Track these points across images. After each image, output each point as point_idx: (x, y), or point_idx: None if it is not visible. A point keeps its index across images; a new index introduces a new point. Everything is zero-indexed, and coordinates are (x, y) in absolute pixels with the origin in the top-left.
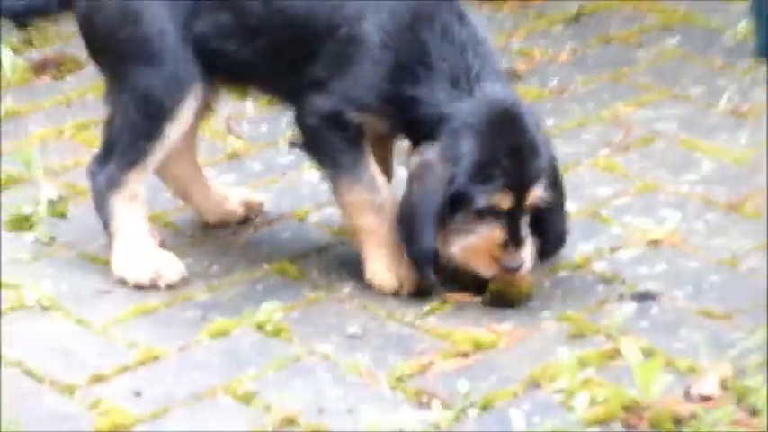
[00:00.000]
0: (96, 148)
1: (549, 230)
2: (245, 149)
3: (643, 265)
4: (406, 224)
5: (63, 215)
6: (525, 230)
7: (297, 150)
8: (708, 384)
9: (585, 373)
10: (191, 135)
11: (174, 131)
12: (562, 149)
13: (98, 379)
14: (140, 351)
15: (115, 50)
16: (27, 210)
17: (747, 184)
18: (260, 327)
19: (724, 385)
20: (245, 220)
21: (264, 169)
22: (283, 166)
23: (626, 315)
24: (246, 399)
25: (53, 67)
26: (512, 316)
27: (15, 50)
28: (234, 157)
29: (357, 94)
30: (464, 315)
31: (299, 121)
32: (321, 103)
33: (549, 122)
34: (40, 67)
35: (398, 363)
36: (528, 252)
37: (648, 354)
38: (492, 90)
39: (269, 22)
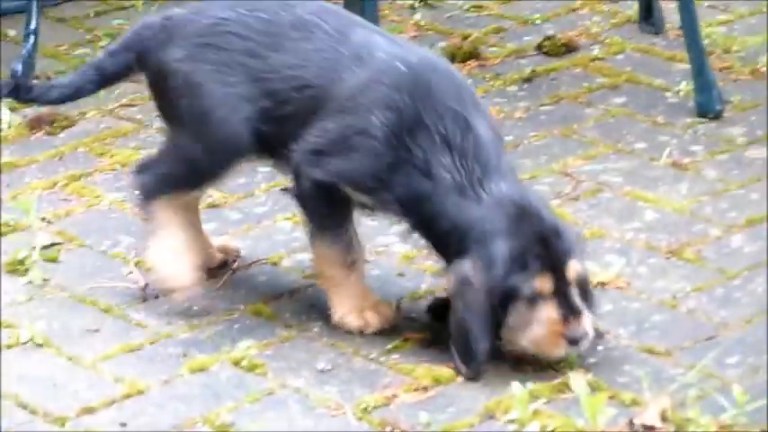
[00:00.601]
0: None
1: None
2: (223, 200)
3: None
4: (461, 342)
5: (55, 260)
6: (578, 302)
7: (273, 200)
8: (649, 416)
9: (536, 405)
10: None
11: (215, 184)
12: None
13: (87, 411)
14: (126, 385)
15: (177, 116)
16: (22, 254)
17: (686, 231)
18: (236, 363)
19: (664, 417)
20: (223, 265)
21: (242, 218)
22: (258, 215)
23: (575, 352)
24: (224, 429)
25: (47, 123)
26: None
27: (12, 109)
28: (213, 206)
29: (355, 175)
30: (424, 353)
31: (298, 181)
32: (316, 173)
33: None
34: (34, 124)
35: (364, 395)
36: (588, 321)
37: (595, 387)
38: (498, 191)
39: (300, 110)
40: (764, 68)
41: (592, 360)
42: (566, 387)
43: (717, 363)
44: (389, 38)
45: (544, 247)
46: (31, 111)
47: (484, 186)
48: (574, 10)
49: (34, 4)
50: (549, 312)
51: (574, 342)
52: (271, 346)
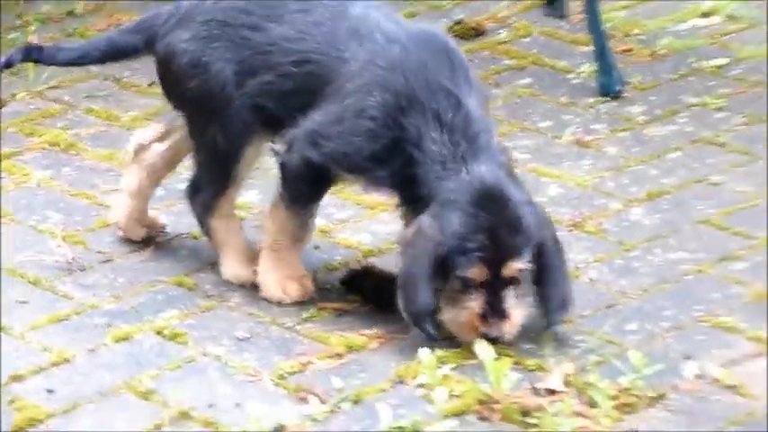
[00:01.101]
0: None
1: (552, 296)
2: None
3: None
4: (405, 288)
5: None
6: (508, 302)
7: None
8: (552, 380)
9: (444, 371)
10: (183, 152)
11: (242, 168)
12: None
13: (16, 378)
14: (53, 354)
15: (186, 98)
16: None
17: (589, 205)
18: (159, 332)
19: (566, 381)
20: (148, 239)
21: (165, 194)
22: (180, 192)
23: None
24: (147, 395)
25: None
26: (380, 322)
27: None
28: None
29: (351, 158)
30: (339, 322)
31: (288, 151)
32: (308, 150)
33: None
34: None
35: (281, 363)
36: (512, 323)
37: (500, 354)
38: (477, 170)
39: (302, 85)
40: (663, 51)
41: None
42: (472, 353)
43: (616, 330)
44: (386, 13)
45: (491, 239)
46: None
47: (466, 163)
48: None
49: None
50: (473, 304)
51: (486, 339)
52: (192, 316)
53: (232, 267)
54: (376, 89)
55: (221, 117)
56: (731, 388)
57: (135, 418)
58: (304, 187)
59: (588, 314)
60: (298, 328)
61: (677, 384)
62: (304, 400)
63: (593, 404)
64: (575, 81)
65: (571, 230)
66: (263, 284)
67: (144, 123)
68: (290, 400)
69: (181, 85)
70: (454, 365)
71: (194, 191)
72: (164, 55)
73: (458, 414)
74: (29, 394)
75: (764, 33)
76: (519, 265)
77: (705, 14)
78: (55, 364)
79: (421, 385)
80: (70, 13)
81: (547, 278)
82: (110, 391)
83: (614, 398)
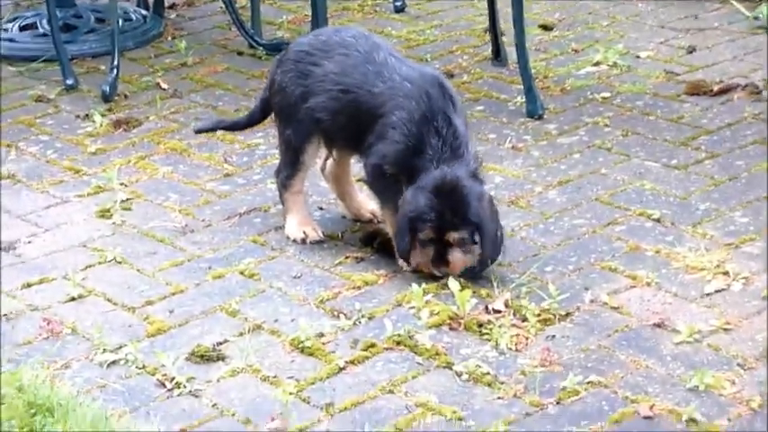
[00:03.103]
0: (148, 170)
1: (483, 250)
2: (234, 171)
3: None
4: (395, 234)
5: (129, 209)
6: (450, 255)
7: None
8: (497, 304)
9: (427, 298)
10: (344, 164)
11: (306, 158)
12: None
13: (148, 303)
14: (173, 287)
15: (275, 110)
16: (108, 205)
17: (520, 189)
18: (241, 272)
19: (507, 304)
20: (368, 222)
21: (245, 182)
22: (256, 181)
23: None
24: (233, 314)
25: (124, 124)
26: (386, 266)
27: (102, 115)
28: (228, 176)
29: (389, 155)
30: (358, 266)
31: (364, 168)
32: (372, 159)
33: None
34: (116, 124)
35: (321, 292)
36: (451, 268)
37: (464, 286)
38: (449, 170)
39: (346, 107)
40: (569, 87)
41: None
42: (446, 286)
43: (539, 270)
44: (400, 59)
45: (439, 216)
46: (114, 116)
47: (444, 163)
48: (452, 52)
49: (116, 49)
50: (426, 253)
51: (434, 274)
52: (263, 262)
53: (292, 228)
54: (398, 111)
55: (293, 122)
56: (614, 308)
57: (226, 328)
58: (381, 184)
59: (521, 260)
60: (332, 269)
61: (579, 306)
62: (336, 316)
63: (524, 319)
64: (512, 108)
65: (509, 206)
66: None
67: (231, 136)
68: (327, 317)
69: (273, 102)
70: (434, 294)
71: (277, 172)
72: (271, 85)
73: (436, 326)
74: (156, 313)
75: (635, 76)
76: (456, 235)
77: (596, 63)
78: (173, 294)
79: (412, 307)
80: (183, 64)
81: (481, 244)
82: (209, 311)
83: (538, 315)
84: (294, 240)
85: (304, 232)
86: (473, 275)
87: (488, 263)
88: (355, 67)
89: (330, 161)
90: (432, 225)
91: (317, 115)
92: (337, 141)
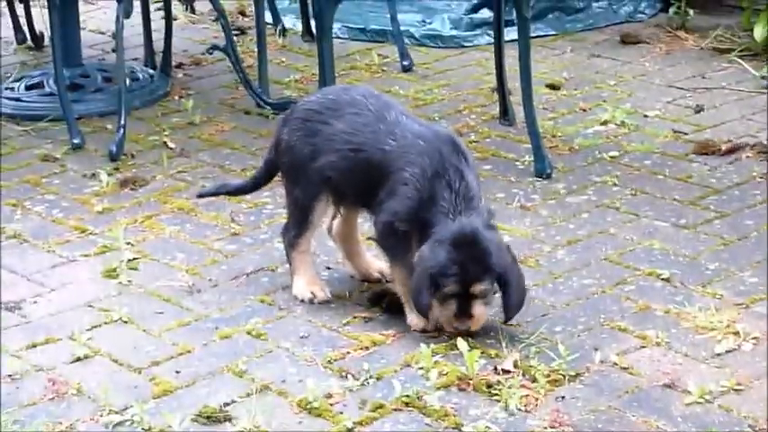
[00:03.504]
0: (155, 230)
1: (509, 304)
2: (242, 230)
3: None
4: (413, 291)
5: (136, 268)
6: (474, 309)
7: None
8: (506, 364)
9: (436, 358)
10: (351, 223)
11: (315, 218)
12: None
13: (154, 363)
14: (179, 347)
15: (284, 169)
16: (114, 265)
17: (529, 248)
18: (248, 332)
19: (516, 365)
20: (377, 281)
21: (253, 241)
22: (262, 240)
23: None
24: (240, 374)
25: (131, 183)
26: (394, 326)
27: (109, 174)
28: (235, 235)
29: (401, 212)
30: (366, 325)
31: (374, 226)
32: (383, 216)
33: None
34: (123, 184)
35: (329, 353)
36: (475, 322)
37: (472, 346)
38: (466, 221)
39: (357, 166)
40: (577, 146)
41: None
42: (455, 346)
43: (548, 330)
44: (411, 117)
45: (463, 268)
46: (120, 175)
47: (459, 215)
48: (459, 111)
49: (123, 108)
50: (451, 307)
51: (457, 330)
52: (270, 322)
53: (299, 288)
54: (410, 167)
55: (302, 181)
56: (624, 369)
57: (233, 389)
58: (393, 242)
59: (530, 320)
60: (340, 329)
61: (589, 367)
62: (344, 377)
63: (534, 380)
64: (520, 167)
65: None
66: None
67: (239, 196)
68: (335, 377)
69: (281, 162)
70: (443, 354)
71: (285, 232)
72: (277, 145)
73: (444, 387)
74: (163, 373)
75: (643, 135)
76: (481, 287)
77: (603, 123)
78: (180, 354)
79: (421, 368)
80: (190, 123)
81: (506, 292)
82: (216, 372)
83: (547, 376)
84: (302, 300)
85: (312, 292)
86: (505, 323)
87: (516, 310)
88: (366, 125)
89: (337, 221)
90: (456, 278)
91: (327, 174)
92: (347, 200)
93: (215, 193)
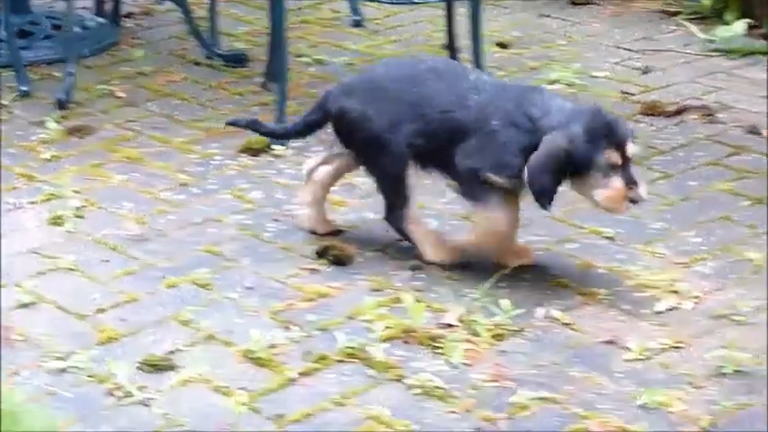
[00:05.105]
0: (102, 178)
1: None
2: (189, 180)
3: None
4: (535, 180)
5: (82, 216)
6: (635, 174)
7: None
8: (450, 318)
9: (380, 311)
10: (338, 175)
11: (409, 187)
12: None
13: (100, 311)
14: (125, 295)
15: (360, 147)
16: (61, 212)
17: None
18: (194, 282)
19: (460, 319)
20: (325, 234)
21: (200, 192)
22: (210, 191)
23: (405, 279)
24: (186, 323)
25: (78, 131)
26: (340, 279)
27: (57, 122)
28: (183, 185)
29: (492, 160)
30: (312, 278)
31: (458, 174)
32: (470, 163)
33: None
34: (71, 131)
35: (274, 304)
36: (644, 187)
37: (417, 300)
38: (577, 107)
39: (444, 126)
40: None
41: (416, 283)
42: (399, 300)
43: (493, 286)
44: (490, 77)
45: (611, 130)
46: (69, 123)
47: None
48: None
49: (72, 56)
50: (617, 181)
51: (634, 202)
52: (217, 272)
53: (434, 252)
54: (495, 117)
55: (386, 154)
56: (567, 325)
57: (178, 338)
58: (479, 190)
59: (475, 276)
60: (286, 281)
61: (532, 322)
62: (288, 328)
63: (476, 334)
64: None
65: (464, 221)
66: (503, 257)
67: (187, 146)
68: (279, 328)
69: (353, 135)
70: (388, 307)
71: (388, 214)
72: (339, 117)
73: (389, 339)
74: (108, 321)
75: (591, 95)
76: (633, 147)
77: (552, 82)
78: (126, 302)
79: (365, 320)
80: (140, 73)
81: None
82: (162, 321)
83: (490, 330)
84: (443, 264)
85: (441, 253)
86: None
87: None
88: (449, 87)
89: (325, 168)
90: (616, 145)
91: (413, 141)
92: (430, 163)
93: (245, 126)
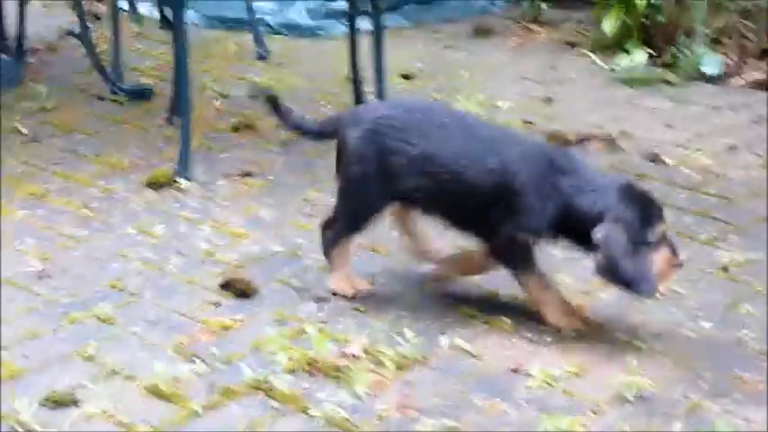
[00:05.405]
0: None
1: None
2: (93, 216)
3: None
4: (623, 274)
5: None
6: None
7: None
8: (355, 349)
9: (285, 342)
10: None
11: (368, 227)
12: None
13: (4, 348)
14: (28, 331)
15: (344, 175)
16: None
17: (383, 236)
18: (97, 317)
19: (364, 349)
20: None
21: (104, 228)
22: (114, 226)
23: (309, 310)
24: (89, 359)
25: None
26: (243, 312)
27: None
28: (86, 220)
29: (529, 224)
30: (217, 309)
31: (495, 243)
32: (509, 230)
33: None
34: None
35: (178, 337)
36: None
37: (321, 331)
38: (603, 180)
39: (459, 188)
40: None
41: (320, 315)
42: (304, 331)
43: (396, 316)
44: (502, 129)
45: (654, 205)
46: None
47: (596, 193)
48: (314, 100)
49: None
50: (666, 252)
51: (680, 266)
52: (120, 308)
53: (336, 283)
54: (523, 177)
55: (368, 194)
56: (470, 354)
57: (82, 373)
58: (520, 254)
59: (380, 306)
60: (189, 314)
61: (436, 351)
62: (193, 361)
63: (380, 364)
64: None
65: (370, 252)
66: (557, 322)
67: (91, 181)
68: (184, 362)
69: (346, 165)
70: (292, 339)
71: (327, 226)
72: (342, 141)
73: (294, 370)
74: (12, 358)
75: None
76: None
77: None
78: (29, 338)
79: (269, 352)
80: (43, 109)
81: None
82: (65, 356)
83: (394, 360)
84: (337, 294)
85: (347, 288)
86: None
87: None
88: (462, 146)
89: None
90: (658, 217)
91: (413, 195)
92: (436, 216)
93: (278, 113)
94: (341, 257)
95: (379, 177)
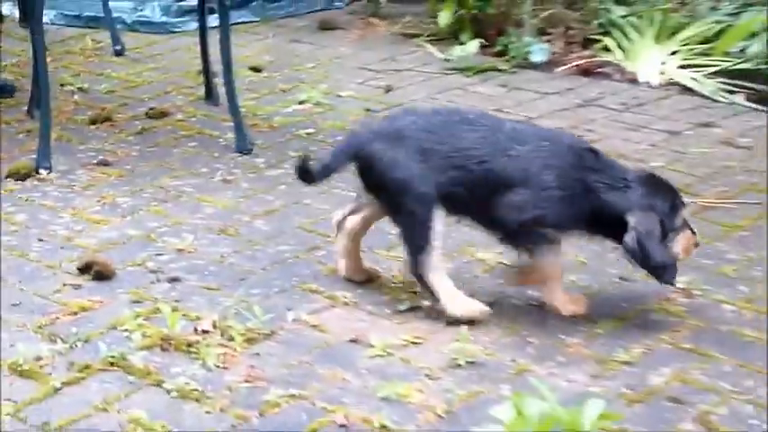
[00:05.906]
0: None
1: None
2: None
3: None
4: (654, 261)
5: None
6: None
7: None
8: (206, 325)
9: (140, 321)
10: (369, 224)
11: (435, 231)
12: None
13: None
14: None
15: (386, 187)
16: None
17: (230, 219)
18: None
19: (215, 325)
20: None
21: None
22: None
23: (163, 290)
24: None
25: None
26: (100, 294)
27: None
28: None
29: (545, 215)
30: (76, 291)
31: (507, 226)
32: (525, 216)
33: None
34: None
35: (39, 318)
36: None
37: (174, 309)
38: (629, 174)
39: (482, 176)
40: (276, 124)
41: (174, 294)
42: (158, 310)
43: (246, 293)
44: (528, 124)
45: (676, 193)
46: None
47: (625, 184)
48: (167, 92)
49: None
50: (688, 232)
51: (698, 245)
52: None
53: (457, 308)
54: (547, 170)
55: (416, 202)
56: (315, 327)
57: None
58: (537, 239)
59: (228, 284)
60: (50, 296)
61: (283, 325)
62: (54, 341)
63: (230, 339)
64: (223, 143)
65: (219, 234)
66: (563, 305)
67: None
68: (45, 341)
69: (380, 179)
70: (147, 317)
71: (411, 262)
72: (365, 159)
73: (147, 347)
74: None
75: (337, 113)
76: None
77: (301, 102)
78: None
79: (125, 330)
80: None
81: None
82: None
83: (244, 335)
84: (464, 318)
85: (471, 309)
86: None
87: None
88: (485, 137)
89: (355, 217)
90: (681, 201)
91: (448, 190)
92: (465, 211)
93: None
94: (440, 280)
95: (421, 180)
